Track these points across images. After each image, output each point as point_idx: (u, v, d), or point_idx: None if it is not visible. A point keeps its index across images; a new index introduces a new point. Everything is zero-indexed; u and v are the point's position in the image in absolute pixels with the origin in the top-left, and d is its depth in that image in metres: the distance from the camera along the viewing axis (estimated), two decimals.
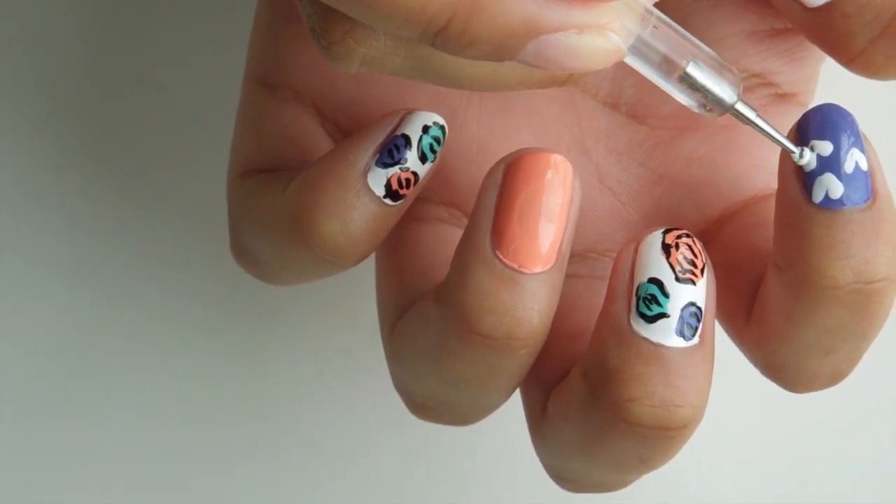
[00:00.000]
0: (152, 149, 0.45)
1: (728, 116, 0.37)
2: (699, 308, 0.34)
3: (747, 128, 0.37)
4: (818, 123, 0.34)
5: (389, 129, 0.36)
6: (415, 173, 0.35)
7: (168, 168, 0.46)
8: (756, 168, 0.38)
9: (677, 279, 0.34)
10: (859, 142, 0.34)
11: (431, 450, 0.46)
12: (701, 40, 0.36)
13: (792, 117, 0.37)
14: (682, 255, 0.34)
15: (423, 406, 0.38)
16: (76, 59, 0.45)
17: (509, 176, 0.34)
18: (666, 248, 0.34)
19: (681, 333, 0.34)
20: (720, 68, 0.33)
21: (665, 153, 0.38)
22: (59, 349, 0.46)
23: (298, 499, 0.46)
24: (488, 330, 0.34)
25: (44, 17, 0.45)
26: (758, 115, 0.34)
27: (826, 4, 0.34)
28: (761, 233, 0.37)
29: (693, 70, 0.33)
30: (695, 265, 0.34)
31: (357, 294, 0.43)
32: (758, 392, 0.41)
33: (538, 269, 0.34)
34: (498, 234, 0.34)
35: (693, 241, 0.34)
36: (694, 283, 0.34)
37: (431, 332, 0.35)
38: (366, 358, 0.45)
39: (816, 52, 0.38)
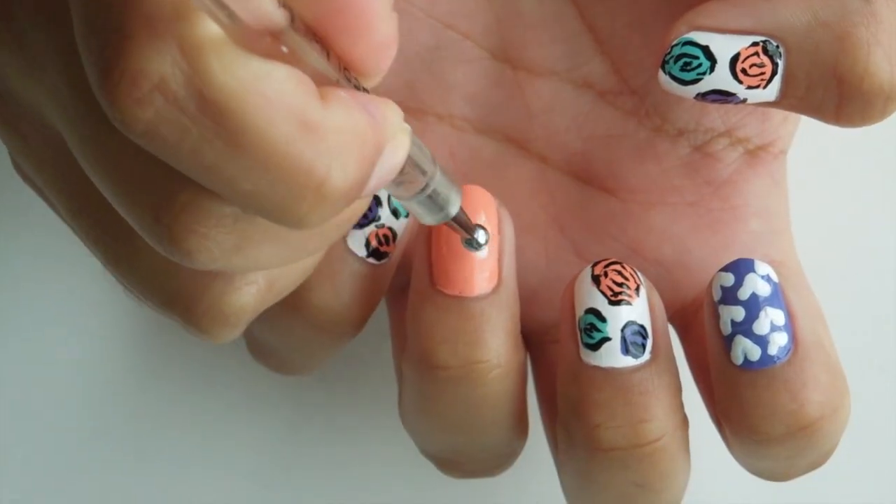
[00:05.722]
0: None
1: (694, 192, 0.37)
2: (642, 326, 0.34)
3: (715, 205, 0.37)
4: (727, 287, 0.34)
5: None
6: (391, 229, 0.35)
7: None
8: (725, 248, 0.37)
9: (611, 303, 0.34)
10: (773, 298, 0.33)
11: None
12: (663, 102, 0.37)
13: (771, 171, 0.36)
14: (611, 280, 0.34)
15: (447, 462, 0.38)
16: None
17: None
18: (595, 279, 0.34)
19: (627, 353, 0.34)
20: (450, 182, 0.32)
21: (637, 227, 0.37)
22: (59, 350, 0.45)
23: (299, 499, 0.45)
24: (446, 359, 0.34)
25: None
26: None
27: (777, 99, 0.34)
28: None
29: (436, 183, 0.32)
30: (628, 286, 0.34)
31: None
32: None
33: (480, 292, 0.34)
34: (433, 269, 0.34)
35: (622, 266, 0.34)
36: (630, 302, 0.34)
37: (409, 387, 0.35)
38: (367, 362, 0.44)
39: None
